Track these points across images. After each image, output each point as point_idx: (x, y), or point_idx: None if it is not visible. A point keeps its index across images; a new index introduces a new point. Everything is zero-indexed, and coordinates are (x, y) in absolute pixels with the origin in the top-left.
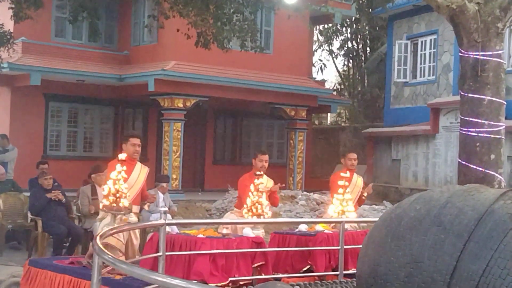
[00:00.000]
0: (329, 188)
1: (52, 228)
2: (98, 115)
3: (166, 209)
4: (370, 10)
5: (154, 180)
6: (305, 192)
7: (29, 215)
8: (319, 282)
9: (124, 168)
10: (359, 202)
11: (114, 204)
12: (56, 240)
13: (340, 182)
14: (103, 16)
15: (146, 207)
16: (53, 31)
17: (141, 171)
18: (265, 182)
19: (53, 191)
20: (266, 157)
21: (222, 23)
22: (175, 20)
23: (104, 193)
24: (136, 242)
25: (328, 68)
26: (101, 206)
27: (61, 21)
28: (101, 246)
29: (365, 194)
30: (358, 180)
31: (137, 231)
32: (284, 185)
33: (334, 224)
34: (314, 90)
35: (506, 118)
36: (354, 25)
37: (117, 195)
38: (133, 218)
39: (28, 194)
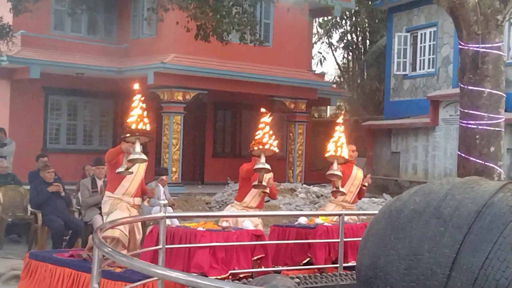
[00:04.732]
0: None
1: (50, 222)
2: (98, 108)
3: (166, 202)
4: (370, 2)
5: (154, 173)
6: (304, 185)
7: (29, 208)
8: (318, 274)
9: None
10: (360, 194)
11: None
12: (54, 234)
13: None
14: (102, 9)
15: (145, 202)
16: (52, 24)
17: (140, 164)
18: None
19: (54, 184)
20: None
21: (221, 15)
22: (175, 13)
23: (132, 119)
24: (139, 236)
25: (328, 61)
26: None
27: (60, 14)
28: (102, 239)
29: (366, 184)
30: (358, 173)
31: (139, 225)
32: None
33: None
34: (314, 83)
35: (505, 111)
36: (354, 18)
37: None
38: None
39: (27, 187)
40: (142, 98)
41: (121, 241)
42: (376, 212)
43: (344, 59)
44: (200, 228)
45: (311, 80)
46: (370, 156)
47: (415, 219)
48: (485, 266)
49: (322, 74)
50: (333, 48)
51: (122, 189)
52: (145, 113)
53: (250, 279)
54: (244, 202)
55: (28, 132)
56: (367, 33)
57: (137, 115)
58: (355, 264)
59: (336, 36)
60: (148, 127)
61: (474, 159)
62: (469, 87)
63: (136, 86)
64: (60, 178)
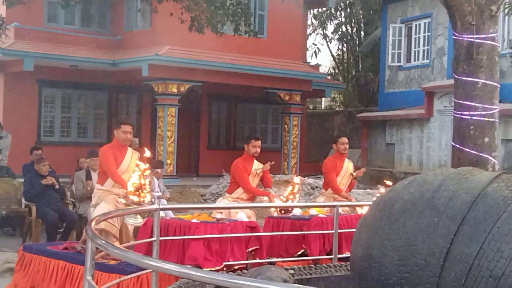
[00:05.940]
0: (323, 173)
1: (44, 214)
2: (92, 101)
3: (160, 194)
4: None
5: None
6: (299, 177)
7: (23, 201)
8: (313, 266)
9: (147, 166)
10: (350, 186)
11: (137, 199)
12: (48, 227)
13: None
14: (96, 1)
15: None
16: (46, 16)
17: (132, 157)
18: (257, 167)
19: (47, 177)
20: (259, 142)
21: (215, 7)
22: (168, 4)
23: (130, 189)
24: (131, 227)
25: (322, 53)
26: (123, 200)
27: (53, 6)
28: (95, 231)
29: (354, 173)
30: (349, 165)
31: None
32: (273, 162)
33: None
34: (308, 75)
35: (500, 101)
36: (348, 9)
37: (141, 189)
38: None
39: (21, 180)
40: (148, 167)
41: (110, 233)
42: (370, 203)
43: (339, 50)
44: (194, 220)
45: (306, 72)
46: (365, 147)
47: (409, 210)
48: (479, 256)
49: (317, 66)
50: (327, 40)
51: (111, 181)
52: (146, 183)
53: (245, 271)
54: (235, 193)
55: (22, 125)
56: (362, 25)
57: (140, 185)
58: (349, 255)
59: (330, 27)
60: (146, 197)
61: (468, 150)
62: (464, 78)
63: (147, 153)
64: (54, 171)
